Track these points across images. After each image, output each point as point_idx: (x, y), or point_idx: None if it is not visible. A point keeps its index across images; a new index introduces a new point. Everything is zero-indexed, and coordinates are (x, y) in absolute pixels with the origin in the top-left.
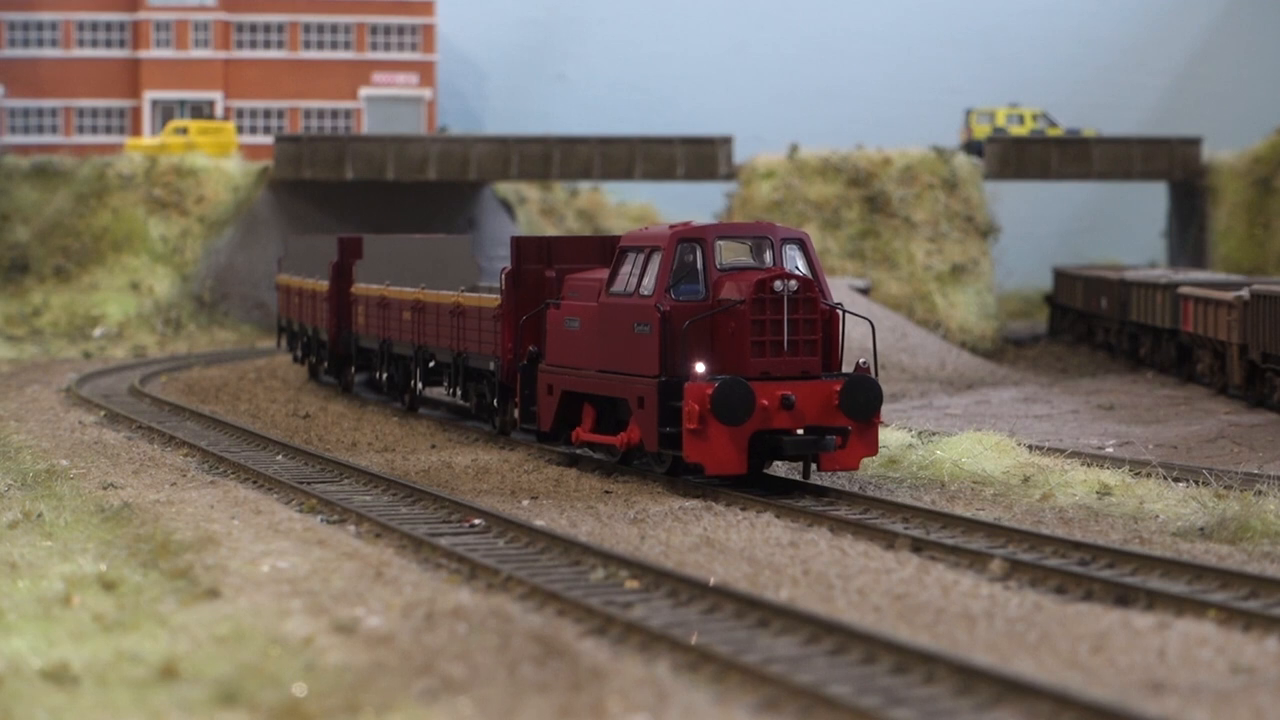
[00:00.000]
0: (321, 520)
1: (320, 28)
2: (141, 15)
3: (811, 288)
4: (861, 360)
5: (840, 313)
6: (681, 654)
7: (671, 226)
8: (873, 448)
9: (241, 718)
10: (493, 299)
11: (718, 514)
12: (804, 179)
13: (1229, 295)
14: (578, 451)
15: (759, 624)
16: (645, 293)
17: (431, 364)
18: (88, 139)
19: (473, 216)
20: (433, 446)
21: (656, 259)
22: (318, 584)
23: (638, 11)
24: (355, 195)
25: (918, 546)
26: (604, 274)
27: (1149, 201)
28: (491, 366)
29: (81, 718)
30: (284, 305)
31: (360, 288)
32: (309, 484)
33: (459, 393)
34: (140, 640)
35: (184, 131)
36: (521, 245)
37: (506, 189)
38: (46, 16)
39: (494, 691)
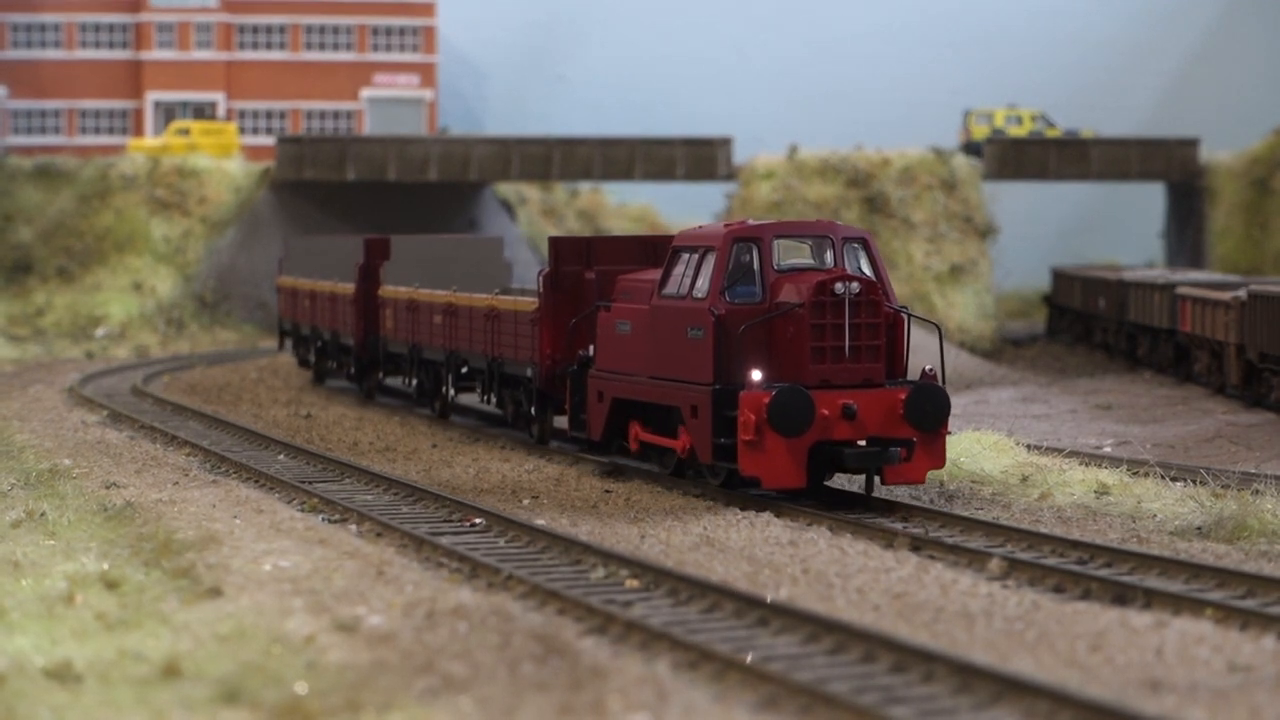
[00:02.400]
0: (323, 519)
1: (322, 29)
2: (144, 17)
3: (875, 290)
4: (928, 367)
5: (905, 316)
6: (681, 653)
7: (726, 225)
8: (939, 460)
9: (243, 716)
10: (529, 302)
11: (718, 513)
12: (803, 180)
13: (1226, 295)
14: (622, 462)
15: (759, 623)
16: (699, 295)
17: (464, 370)
18: (90, 140)
19: (473, 217)
20: (433, 446)
21: (711, 260)
22: (319, 583)
23: (638, 13)
24: (356, 196)
25: (916, 545)
26: (656, 275)
27: (1147, 202)
28: (529, 373)
29: (84, 716)
30: (288, 308)
31: (388, 290)
32: (310, 483)
33: (494, 400)
34: (143, 639)
35: (186, 132)
36: (560, 246)
37: (507, 189)
38: (49, 18)
39: (495, 690)
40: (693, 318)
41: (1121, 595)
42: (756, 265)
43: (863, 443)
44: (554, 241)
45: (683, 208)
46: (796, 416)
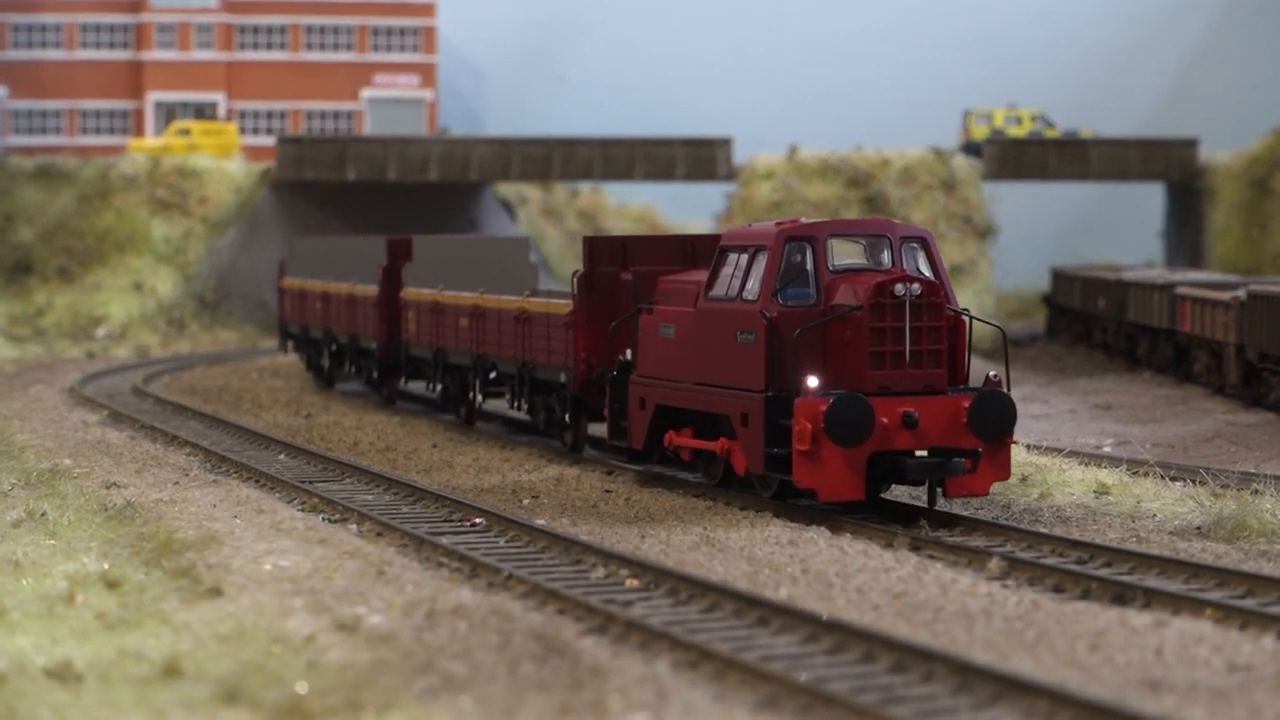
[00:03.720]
0: (323, 519)
1: (322, 29)
2: (144, 17)
3: (937, 291)
4: (992, 373)
5: (967, 319)
6: (681, 652)
7: (778, 223)
8: (1005, 471)
9: (244, 716)
10: (563, 304)
11: (718, 513)
12: (803, 180)
13: (1226, 295)
14: (665, 472)
15: (758, 622)
16: (749, 297)
17: (492, 375)
18: (91, 140)
19: (474, 217)
20: (434, 446)
21: (762, 259)
22: (320, 583)
23: (638, 13)
24: (357, 196)
25: (916, 545)
26: (701, 276)
27: (1146, 202)
28: (562, 378)
29: (85, 715)
30: (295, 310)
31: (410, 292)
32: (311, 483)
33: (524, 406)
34: (143, 638)
35: (187, 133)
36: (595, 246)
37: (507, 189)
38: (50, 19)
39: (495, 690)
40: (743, 321)
41: (1121, 595)
42: (810, 265)
43: (923, 453)
44: (589, 241)
45: (683, 208)
46: (856, 425)
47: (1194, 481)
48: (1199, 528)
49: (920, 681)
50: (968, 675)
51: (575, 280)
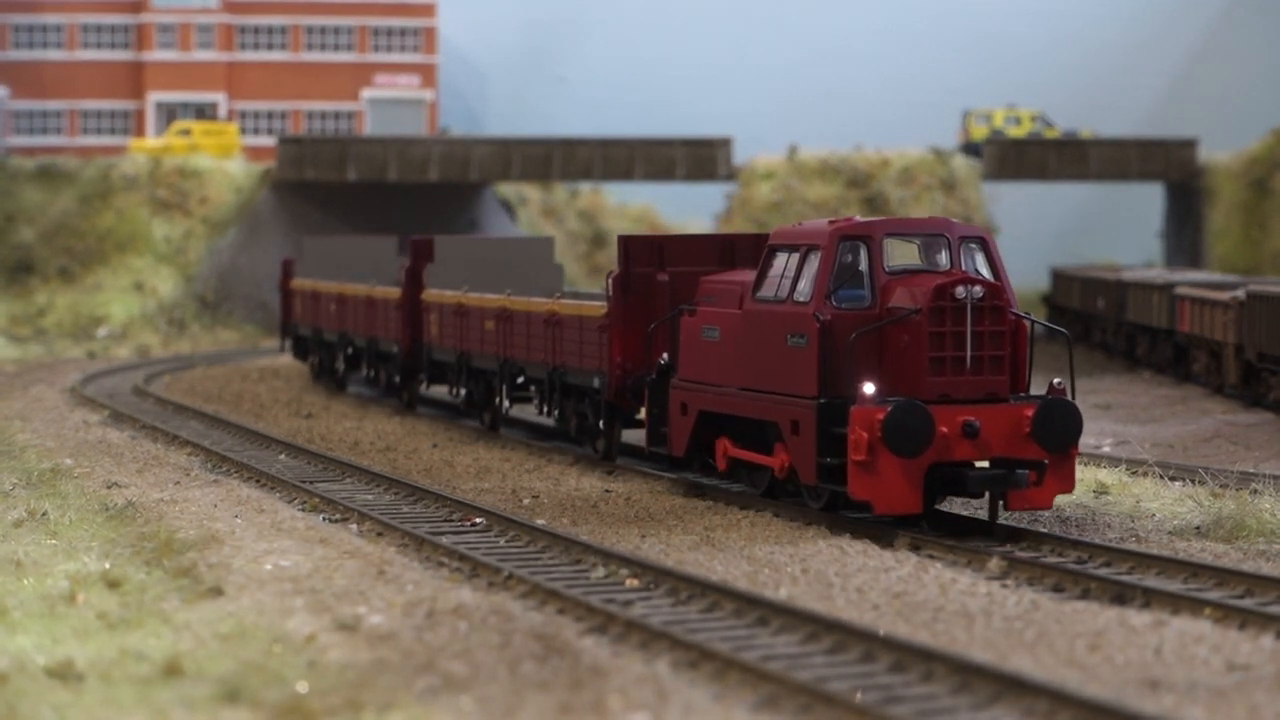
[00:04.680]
0: (324, 519)
1: (322, 30)
2: (145, 18)
3: (1000, 294)
4: (1056, 380)
5: (1029, 324)
6: (681, 652)
7: (831, 222)
8: (1069, 483)
9: (244, 715)
10: (596, 306)
11: (718, 512)
12: (803, 180)
13: (1225, 295)
14: (706, 481)
15: (758, 622)
16: (800, 299)
17: (520, 380)
18: (92, 140)
19: (474, 217)
20: (434, 446)
21: (814, 260)
22: (320, 582)
23: (638, 14)
24: (357, 196)
25: (916, 545)
26: (746, 276)
27: (1146, 202)
28: (595, 383)
29: (86, 715)
30: (307, 311)
31: (432, 294)
32: (311, 483)
33: (556, 413)
34: (144, 638)
35: (187, 133)
36: (630, 246)
37: (508, 190)
38: (51, 19)
39: (495, 689)
40: (794, 324)
41: (1121, 595)
42: (865, 266)
43: (983, 464)
44: (625, 241)
45: (683, 208)
46: (915, 435)
47: (1193, 481)
48: (1198, 527)
49: (920, 681)
50: (967, 675)
51: (610, 281)
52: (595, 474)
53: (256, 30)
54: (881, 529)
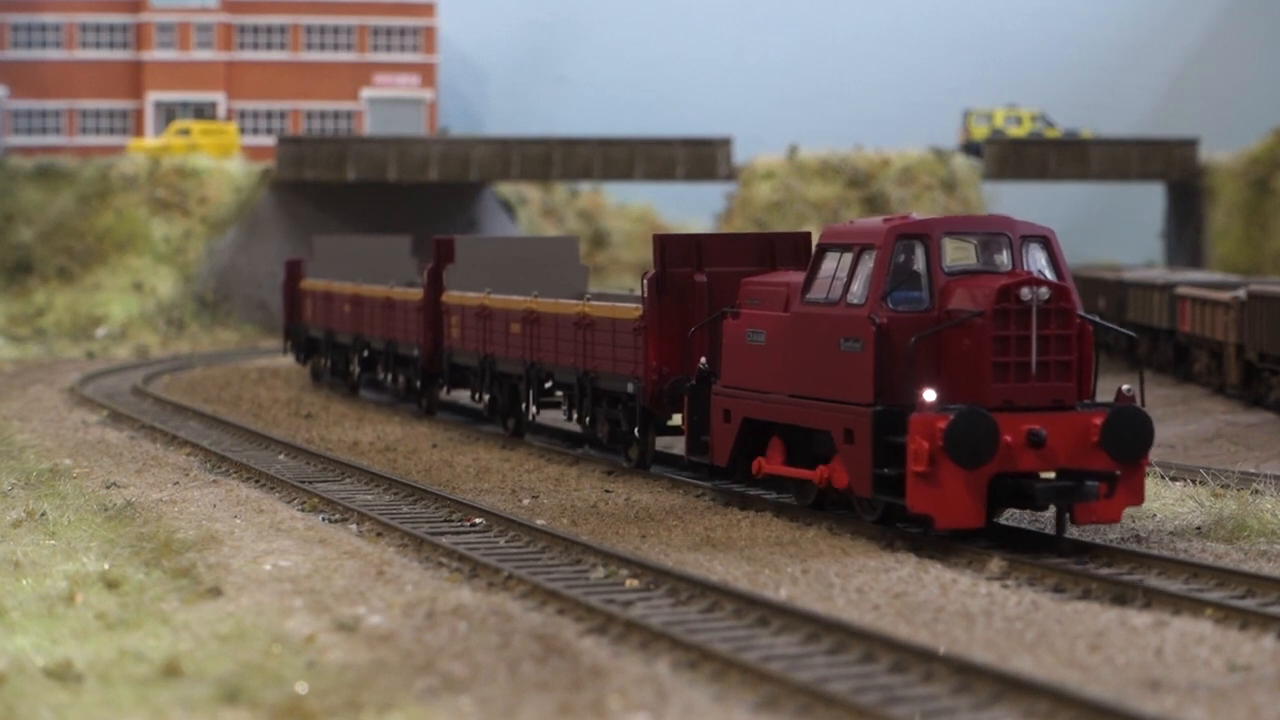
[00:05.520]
0: (323, 519)
1: (322, 29)
2: (144, 17)
3: (1066, 296)
4: (1125, 387)
5: (1093, 327)
6: (681, 652)
7: (886, 219)
8: (1138, 496)
9: (244, 716)
10: (630, 308)
11: (718, 513)
12: (803, 180)
13: (1226, 295)
14: (750, 491)
15: (758, 623)
16: (854, 301)
17: (548, 384)
18: (91, 140)
19: (473, 217)
20: (434, 446)
21: (869, 259)
22: (319, 583)
23: (638, 13)
24: (357, 196)
25: (916, 545)
26: (792, 277)
27: (1146, 202)
28: (630, 388)
29: (85, 715)
30: (319, 313)
31: (454, 296)
32: (311, 483)
33: (587, 419)
34: (143, 638)
35: (186, 133)
36: (667, 245)
37: (507, 190)
38: (50, 19)
39: (495, 690)
40: (847, 327)
41: (1121, 595)
42: (923, 266)
43: (1049, 475)
44: (661, 240)
45: (683, 208)
46: (979, 444)
47: (1194, 481)
48: (1199, 528)
49: (920, 681)
50: (968, 675)
51: (645, 282)
52: (595, 474)
53: (256, 30)
54: (881, 530)
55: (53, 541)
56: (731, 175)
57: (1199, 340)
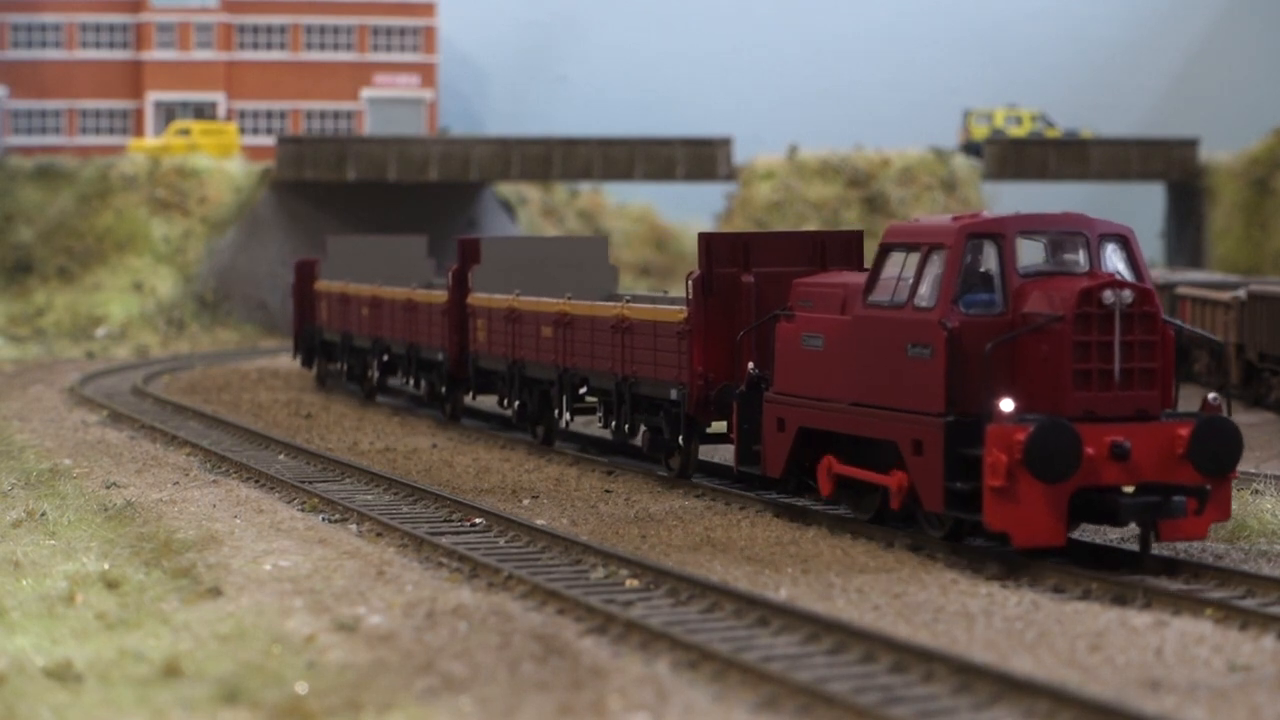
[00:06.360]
0: (323, 519)
1: (322, 29)
2: (144, 17)
3: (1150, 299)
4: (1212, 396)
5: (1175, 332)
6: (681, 652)
7: (955, 218)
8: (1225, 511)
9: (244, 716)
10: (674, 311)
11: (718, 513)
12: (803, 180)
13: (1226, 295)
14: (808, 505)
15: (758, 623)
16: (922, 304)
17: (583, 390)
18: (91, 140)
19: (473, 217)
20: (434, 446)
21: (938, 260)
22: (319, 583)
23: (638, 13)
24: (356, 196)
25: (916, 545)
26: (849, 278)
27: (1146, 202)
28: (673, 395)
29: (85, 716)
30: (335, 316)
31: (480, 298)
32: (311, 483)
33: (626, 427)
34: (143, 639)
35: (186, 132)
36: (713, 244)
37: (507, 189)
38: (50, 18)
39: (495, 690)
40: (914, 332)
41: (1121, 595)
42: (996, 267)
43: (1130, 489)
44: (707, 239)
45: (683, 208)
46: (1061, 457)
47: None
48: None
49: (920, 681)
50: (968, 675)
51: (690, 283)
52: (595, 474)
53: (256, 30)
54: (881, 530)
55: (53, 541)
56: (731, 175)
57: (1199, 340)
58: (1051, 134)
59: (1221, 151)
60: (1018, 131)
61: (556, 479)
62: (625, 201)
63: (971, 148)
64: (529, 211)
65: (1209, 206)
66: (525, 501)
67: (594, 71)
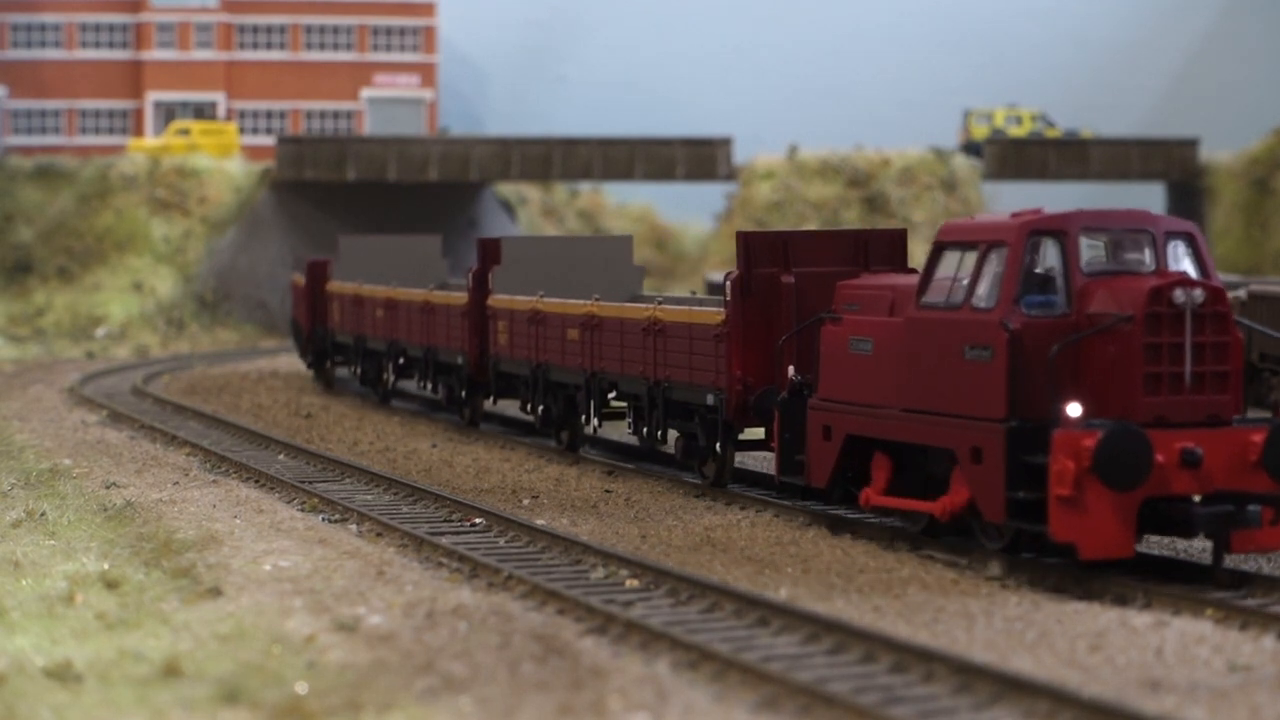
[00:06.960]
0: (323, 519)
1: (322, 29)
2: (144, 17)
3: (1222, 299)
4: None
5: (1244, 334)
6: (681, 652)
7: (1015, 214)
8: None
9: (243, 716)
10: (710, 313)
11: (718, 513)
12: (803, 180)
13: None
14: (851, 515)
15: (758, 623)
16: (980, 304)
17: (612, 394)
18: (90, 140)
19: (473, 217)
20: (433, 446)
21: (996, 258)
22: (319, 583)
23: (638, 13)
24: (356, 196)
25: (916, 545)
26: (899, 279)
27: (1147, 202)
28: (710, 400)
29: (84, 716)
30: (347, 318)
31: (501, 300)
32: (311, 483)
33: (660, 434)
34: (143, 639)
35: (186, 132)
36: (751, 243)
37: (507, 189)
38: (49, 18)
39: (495, 690)
40: (973, 333)
41: (1121, 595)
42: (1059, 266)
43: (1197, 498)
44: (745, 238)
45: (683, 208)
46: (1132, 465)
47: None
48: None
49: (920, 681)
50: (968, 675)
51: (729, 283)
52: (595, 474)
53: (256, 30)
54: (881, 530)
55: (52, 541)
56: (731, 175)
57: None
58: (1051, 134)
59: (1221, 151)
60: (1018, 131)
61: (556, 479)
62: (625, 201)
63: (972, 148)
64: (529, 211)
65: (1209, 206)
66: (525, 501)
67: (594, 71)
